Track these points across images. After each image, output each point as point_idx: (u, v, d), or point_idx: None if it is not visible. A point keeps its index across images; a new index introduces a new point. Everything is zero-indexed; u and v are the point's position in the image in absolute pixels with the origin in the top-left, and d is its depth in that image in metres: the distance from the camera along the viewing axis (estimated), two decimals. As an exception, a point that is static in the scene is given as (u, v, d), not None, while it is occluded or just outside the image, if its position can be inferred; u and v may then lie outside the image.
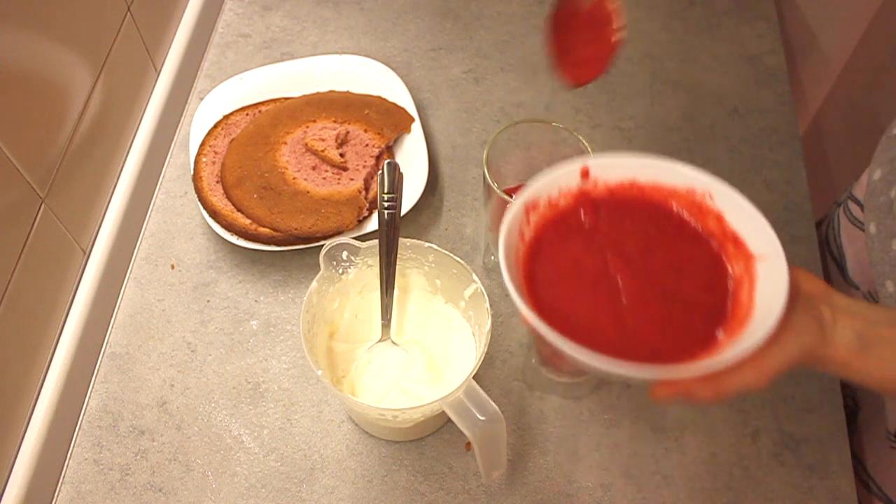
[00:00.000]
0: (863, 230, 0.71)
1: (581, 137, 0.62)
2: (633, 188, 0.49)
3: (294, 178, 0.74)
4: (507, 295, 0.72)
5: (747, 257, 0.45)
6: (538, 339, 0.62)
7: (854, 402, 0.71)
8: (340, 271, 0.61)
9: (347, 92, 0.82)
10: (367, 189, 0.75)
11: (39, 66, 0.61)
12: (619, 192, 0.49)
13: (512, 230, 0.46)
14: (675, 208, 0.49)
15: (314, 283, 0.58)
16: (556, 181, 0.48)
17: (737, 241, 0.46)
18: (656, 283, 0.46)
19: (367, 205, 0.73)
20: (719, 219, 0.47)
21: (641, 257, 0.47)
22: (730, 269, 0.46)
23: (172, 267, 0.74)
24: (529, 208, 0.47)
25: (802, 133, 1.06)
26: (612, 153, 0.49)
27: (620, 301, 0.45)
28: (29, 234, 0.61)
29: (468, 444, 0.64)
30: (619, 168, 0.49)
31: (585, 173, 0.49)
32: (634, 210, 0.49)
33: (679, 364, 0.41)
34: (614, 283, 0.46)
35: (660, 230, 0.48)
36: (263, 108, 0.81)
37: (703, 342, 0.44)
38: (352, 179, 0.75)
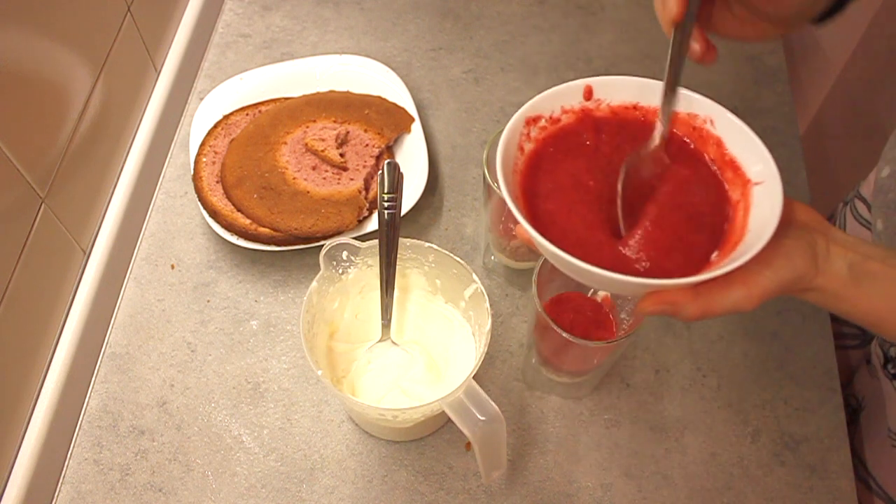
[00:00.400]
0: (869, 229, 0.71)
1: (581, 137, 0.62)
2: (637, 110, 0.49)
3: (294, 178, 0.74)
4: (508, 295, 0.72)
5: (744, 182, 0.45)
6: (538, 338, 0.62)
7: (857, 400, 0.71)
8: (340, 271, 0.61)
9: (347, 92, 0.82)
10: (367, 189, 0.75)
11: (39, 66, 0.61)
12: (622, 114, 0.49)
13: (511, 141, 0.46)
14: (676, 133, 0.48)
15: (314, 283, 0.58)
16: (559, 98, 0.48)
17: (735, 167, 0.46)
18: (654, 203, 0.46)
19: (367, 205, 0.73)
20: (719, 145, 0.47)
21: (644, 181, 0.47)
22: (728, 194, 0.46)
23: (172, 267, 0.74)
24: (530, 121, 0.48)
25: (802, 133, 1.06)
26: (616, 75, 0.49)
27: (614, 221, 0.45)
28: (29, 234, 0.61)
29: (468, 444, 0.64)
30: (623, 89, 0.49)
31: (588, 92, 0.49)
32: (636, 132, 0.48)
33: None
34: (612, 201, 0.46)
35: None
36: (263, 108, 0.81)
37: (698, 265, 0.44)
38: (352, 179, 0.75)
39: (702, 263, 0.44)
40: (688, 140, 0.48)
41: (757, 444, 0.65)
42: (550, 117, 0.48)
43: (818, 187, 0.88)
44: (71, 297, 0.68)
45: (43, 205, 0.63)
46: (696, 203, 0.46)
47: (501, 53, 0.91)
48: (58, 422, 0.63)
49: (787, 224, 0.42)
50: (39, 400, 0.63)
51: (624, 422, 0.66)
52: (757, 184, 0.44)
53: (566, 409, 0.67)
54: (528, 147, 0.48)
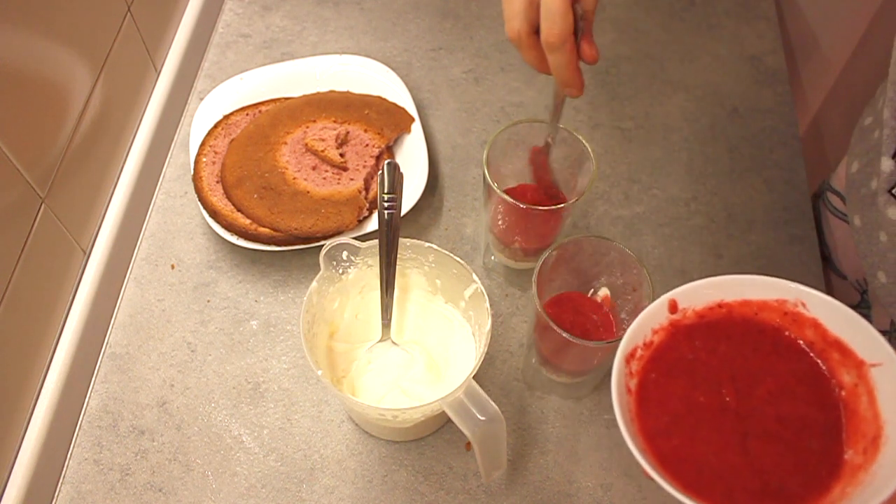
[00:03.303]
0: (845, 221, 0.71)
1: (581, 137, 0.62)
2: (722, 307, 0.48)
3: (294, 178, 0.74)
4: (508, 295, 0.72)
5: (858, 364, 0.44)
6: (538, 338, 0.62)
7: None
8: (340, 271, 0.61)
9: (347, 92, 0.82)
10: (367, 189, 0.75)
11: (39, 66, 0.61)
12: (709, 315, 0.49)
13: (620, 387, 0.45)
14: (768, 321, 0.48)
15: (314, 283, 0.58)
16: (647, 322, 0.48)
17: (842, 348, 0.45)
18: (769, 411, 0.45)
19: (367, 205, 0.73)
20: (817, 325, 0.46)
21: (747, 386, 0.46)
22: (836, 378, 0.45)
23: (172, 267, 0.74)
24: (629, 358, 0.47)
25: (802, 133, 1.06)
26: (694, 281, 0.48)
27: (739, 436, 0.45)
28: (29, 234, 0.61)
29: (468, 444, 0.64)
30: (705, 292, 0.48)
31: (674, 306, 0.48)
32: (727, 331, 0.48)
33: None
34: (729, 419, 0.45)
35: (757, 349, 0.47)
36: (263, 108, 0.81)
37: (830, 466, 0.43)
38: (352, 179, 0.75)
39: (837, 466, 0.43)
40: (783, 328, 0.47)
41: (757, 444, 0.65)
42: (644, 343, 0.48)
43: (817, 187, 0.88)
44: (71, 297, 0.68)
45: (43, 205, 0.63)
46: (809, 404, 0.45)
47: (501, 53, 0.91)
48: (58, 422, 0.63)
49: None
50: (39, 400, 0.63)
51: (624, 422, 0.66)
52: (874, 365, 0.43)
53: (566, 409, 0.67)
54: (633, 384, 0.47)
